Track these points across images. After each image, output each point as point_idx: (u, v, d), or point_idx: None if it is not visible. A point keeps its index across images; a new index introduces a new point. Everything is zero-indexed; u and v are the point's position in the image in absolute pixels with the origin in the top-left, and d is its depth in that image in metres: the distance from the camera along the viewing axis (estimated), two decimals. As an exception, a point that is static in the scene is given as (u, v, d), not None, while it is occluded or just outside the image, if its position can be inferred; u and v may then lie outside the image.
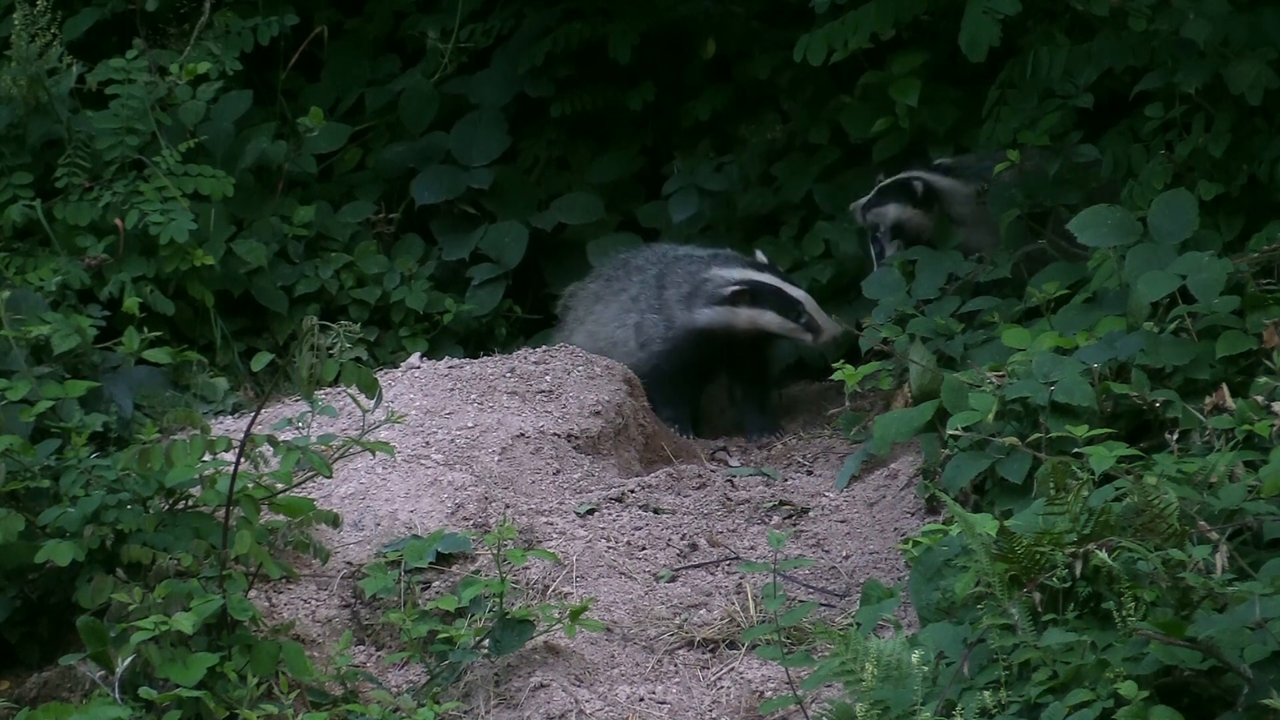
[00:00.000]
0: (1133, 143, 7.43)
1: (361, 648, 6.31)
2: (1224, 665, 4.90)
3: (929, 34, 8.74)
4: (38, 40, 8.49)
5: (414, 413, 7.21)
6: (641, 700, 5.99)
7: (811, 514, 6.88)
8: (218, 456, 6.06)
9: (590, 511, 6.82)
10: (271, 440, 5.99)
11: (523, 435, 7.14)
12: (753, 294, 8.06)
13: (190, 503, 6.20)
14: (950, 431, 6.44)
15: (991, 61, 7.43)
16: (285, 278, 8.94)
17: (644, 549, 6.63)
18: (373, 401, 5.87)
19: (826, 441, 7.78)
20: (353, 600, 6.42)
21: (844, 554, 6.61)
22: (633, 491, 6.96)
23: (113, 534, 6.08)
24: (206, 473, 6.08)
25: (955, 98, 8.67)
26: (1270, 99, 7.10)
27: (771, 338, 8.09)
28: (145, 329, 7.89)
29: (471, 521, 6.65)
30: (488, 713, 6.02)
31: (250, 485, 6.00)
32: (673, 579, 6.49)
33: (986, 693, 5.09)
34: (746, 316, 8.03)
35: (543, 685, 6.03)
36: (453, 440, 7.08)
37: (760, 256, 8.25)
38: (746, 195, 9.02)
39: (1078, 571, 5.22)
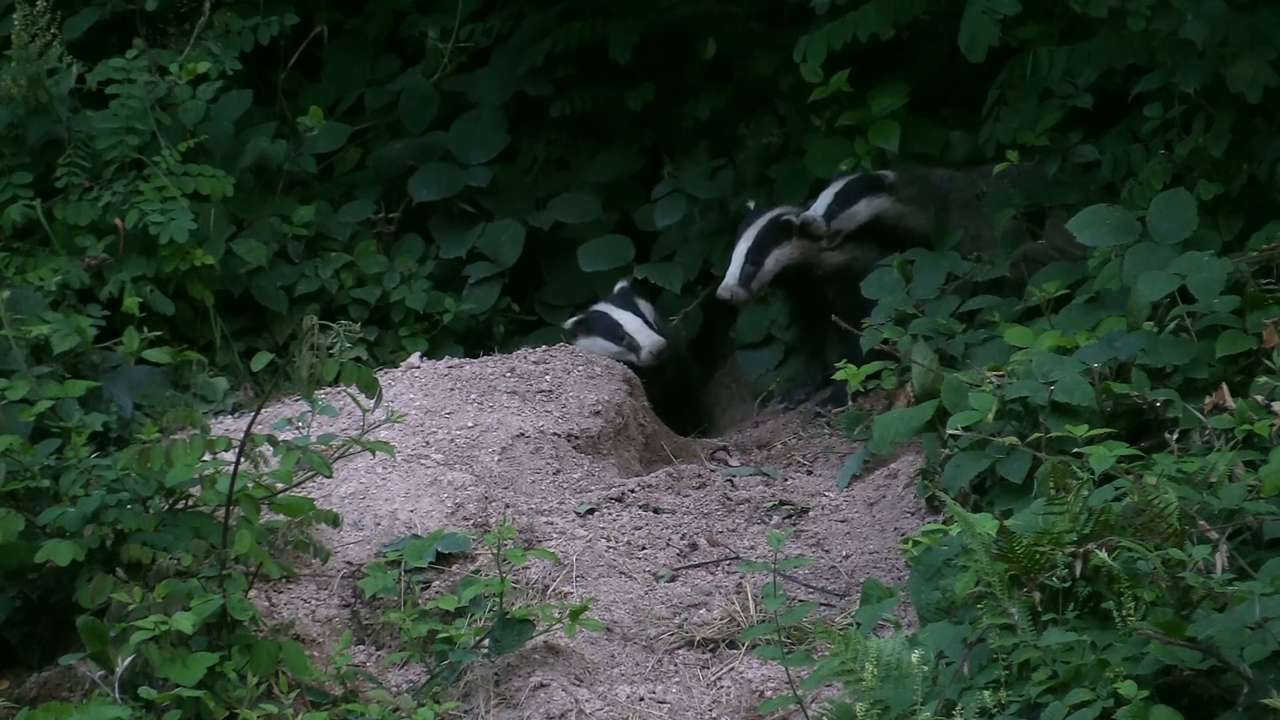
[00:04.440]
0: (1132, 143, 7.44)
1: (361, 648, 6.31)
2: (1224, 665, 4.90)
3: (927, 33, 8.73)
4: (38, 40, 8.49)
5: (414, 412, 7.21)
6: (641, 700, 5.99)
7: (811, 514, 6.88)
8: (218, 456, 6.07)
9: (590, 511, 6.82)
10: (271, 440, 5.99)
11: (523, 435, 7.14)
12: (586, 325, 8.51)
13: (190, 503, 6.20)
14: (950, 431, 6.44)
15: (978, 72, 7.46)
16: (285, 278, 8.94)
17: (644, 549, 6.63)
18: (373, 401, 5.87)
19: (826, 441, 7.79)
20: (353, 600, 6.42)
21: (844, 554, 6.61)
22: (633, 491, 6.96)
23: (113, 534, 6.08)
24: (206, 473, 6.08)
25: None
26: (1269, 99, 7.11)
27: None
28: (145, 329, 7.89)
29: (471, 521, 6.65)
30: (488, 713, 6.02)
31: (250, 485, 6.00)
32: (673, 579, 6.49)
33: (986, 693, 5.09)
34: (584, 346, 8.35)
35: (543, 685, 6.03)
36: (453, 440, 7.08)
37: (617, 287, 8.67)
38: (739, 197, 9.02)
39: (1078, 571, 5.22)
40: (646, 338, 8.41)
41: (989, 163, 7.86)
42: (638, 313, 8.50)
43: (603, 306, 8.55)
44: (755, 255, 8.22)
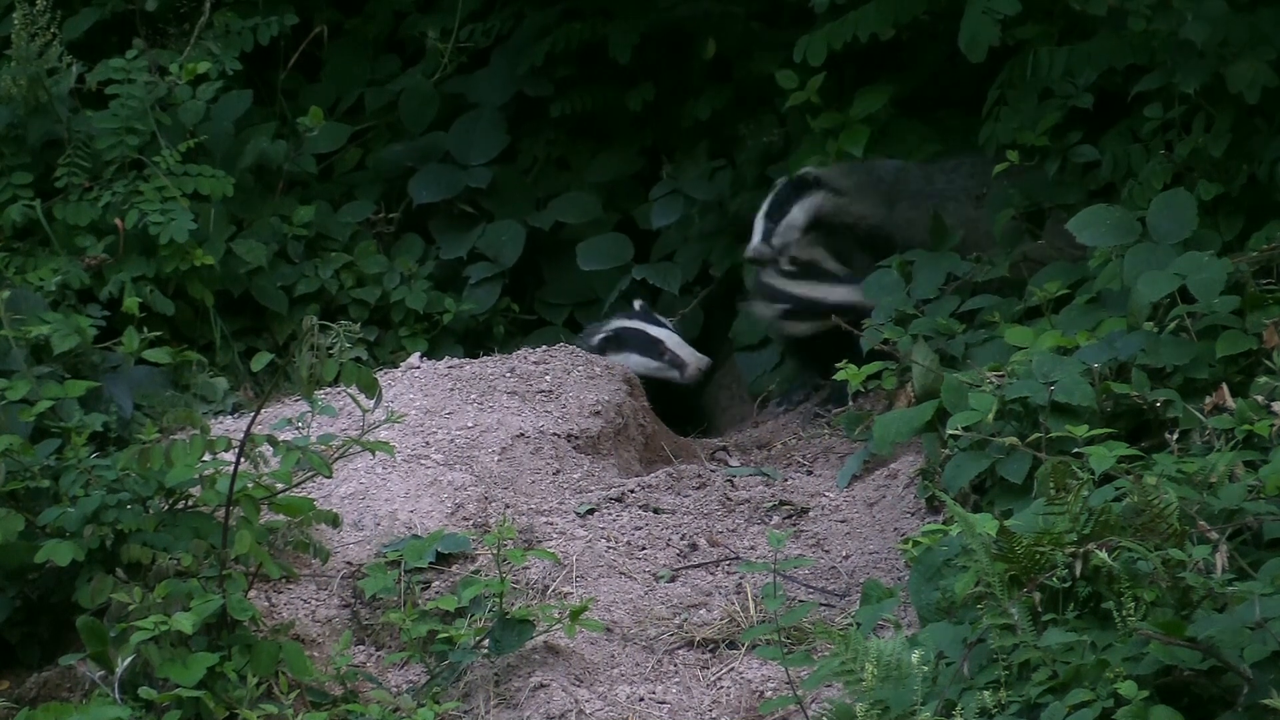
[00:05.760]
0: (1132, 143, 7.44)
1: (361, 648, 6.31)
2: (1224, 665, 4.90)
3: (927, 33, 8.73)
4: (38, 40, 8.49)
5: (414, 413, 7.21)
6: (641, 700, 6.00)
7: (811, 514, 6.88)
8: (218, 456, 6.07)
9: (590, 511, 6.82)
10: (271, 440, 5.99)
11: (523, 435, 7.14)
12: (617, 340, 8.50)
13: (190, 503, 6.20)
14: (950, 431, 6.44)
15: (978, 72, 7.45)
16: (285, 278, 8.94)
17: (644, 549, 6.63)
18: (373, 401, 5.87)
19: (826, 441, 7.78)
20: (353, 600, 6.42)
21: (844, 554, 6.61)
22: (633, 491, 6.96)
23: (113, 534, 6.08)
24: (206, 473, 6.08)
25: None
26: (1269, 98, 7.11)
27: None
28: (145, 329, 7.89)
29: (471, 521, 6.65)
30: (488, 713, 6.02)
31: (250, 485, 6.00)
32: (673, 579, 6.49)
33: (986, 693, 5.09)
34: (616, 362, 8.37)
35: (543, 685, 6.03)
36: (453, 440, 7.08)
37: (637, 305, 8.68)
38: (738, 198, 9.02)
39: (1078, 571, 5.22)
40: (690, 354, 8.50)
41: (952, 157, 7.89)
42: (671, 330, 8.60)
43: (634, 323, 8.57)
44: (774, 212, 8.22)
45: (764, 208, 8.24)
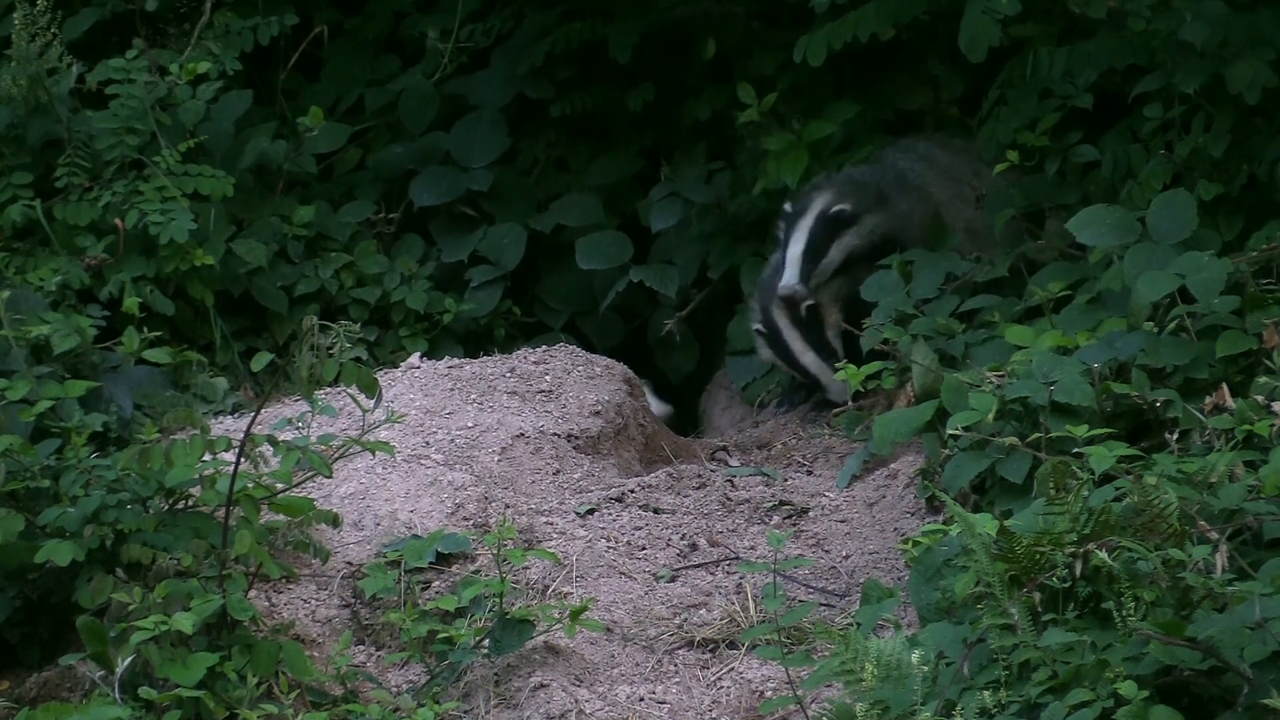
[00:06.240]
0: (1132, 143, 7.44)
1: (361, 648, 6.31)
2: (1224, 665, 4.90)
3: (928, 33, 8.74)
4: (38, 40, 8.49)
5: (414, 413, 7.21)
6: (641, 700, 6.00)
7: (811, 514, 6.88)
8: (218, 456, 6.07)
9: (590, 511, 6.82)
10: (271, 440, 5.99)
11: (523, 435, 7.14)
12: None
13: (190, 503, 6.20)
14: (950, 431, 6.45)
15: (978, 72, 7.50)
16: (285, 278, 8.93)
17: (644, 549, 6.63)
18: (373, 401, 5.87)
19: (826, 441, 7.78)
20: (353, 600, 6.42)
21: (844, 554, 6.61)
22: (633, 491, 6.96)
23: (113, 534, 6.08)
24: (206, 473, 6.08)
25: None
26: (1269, 99, 7.11)
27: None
28: (145, 329, 7.89)
29: (471, 521, 6.65)
30: (488, 713, 6.02)
31: (250, 485, 6.00)
32: (673, 579, 6.49)
33: (986, 693, 5.09)
34: None
35: (543, 685, 6.03)
36: (453, 440, 7.08)
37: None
38: (736, 200, 9.01)
39: (1078, 571, 5.22)
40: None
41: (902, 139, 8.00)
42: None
43: None
44: (813, 252, 8.09)
45: (799, 243, 8.07)
